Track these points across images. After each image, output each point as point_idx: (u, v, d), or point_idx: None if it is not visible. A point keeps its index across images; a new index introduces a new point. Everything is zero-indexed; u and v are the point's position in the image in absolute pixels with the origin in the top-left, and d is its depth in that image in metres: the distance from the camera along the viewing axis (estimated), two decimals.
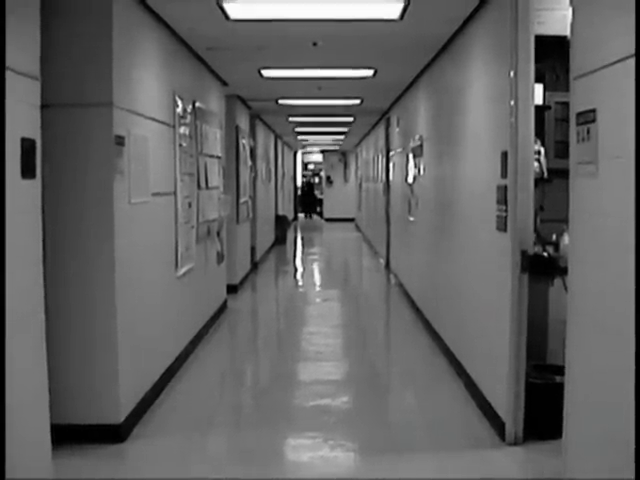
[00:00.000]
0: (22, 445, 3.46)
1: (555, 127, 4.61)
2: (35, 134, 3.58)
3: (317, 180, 32.95)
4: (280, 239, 18.96)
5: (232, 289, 10.39)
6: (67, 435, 4.42)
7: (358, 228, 23.95)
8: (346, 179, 29.21)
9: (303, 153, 32.31)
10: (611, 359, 2.85)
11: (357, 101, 11.57)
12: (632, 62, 2.61)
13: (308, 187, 32.07)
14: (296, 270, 15.52)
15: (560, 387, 3.62)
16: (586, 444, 3.19)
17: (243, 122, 11.74)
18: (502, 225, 4.81)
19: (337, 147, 26.91)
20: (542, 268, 4.73)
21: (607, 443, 2.91)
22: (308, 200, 31.68)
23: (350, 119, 14.92)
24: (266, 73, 8.62)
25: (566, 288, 3.61)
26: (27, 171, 3.46)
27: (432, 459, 4.61)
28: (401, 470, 4.42)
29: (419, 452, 4.76)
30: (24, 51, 3.50)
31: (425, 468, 4.46)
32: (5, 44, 3.13)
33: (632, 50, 2.61)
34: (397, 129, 11.75)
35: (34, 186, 3.59)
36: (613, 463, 2.83)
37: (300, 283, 13.49)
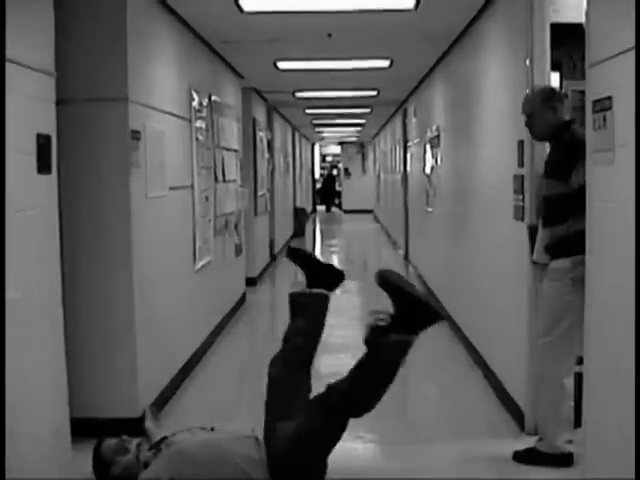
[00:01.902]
0: (42, 439, 3.49)
1: (572, 115, 4.58)
2: (51, 130, 3.60)
3: (335, 172, 32.80)
4: (298, 232, 18.29)
5: (251, 282, 10.42)
6: (87, 429, 4.44)
7: (377, 219, 23.90)
8: (364, 171, 29.10)
9: (321, 145, 32.24)
10: (628, 347, 2.82)
11: (374, 92, 11.54)
12: None
13: (329, 180, 31.55)
14: None
15: (579, 377, 3.60)
16: (605, 434, 3.17)
17: (260, 115, 11.74)
18: (519, 214, 4.78)
19: (354, 139, 26.86)
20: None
21: (626, 433, 2.88)
22: (328, 193, 31.05)
23: (367, 110, 14.88)
24: (282, 65, 8.62)
25: None
26: (43, 166, 3.48)
27: (451, 449, 4.60)
28: (420, 460, 4.42)
29: (438, 442, 4.75)
30: (39, 47, 3.51)
31: (444, 458, 4.45)
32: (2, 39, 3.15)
33: None
34: (414, 120, 11.70)
35: (50, 181, 3.61)
36: (633, 453, 2.80)
37: None
